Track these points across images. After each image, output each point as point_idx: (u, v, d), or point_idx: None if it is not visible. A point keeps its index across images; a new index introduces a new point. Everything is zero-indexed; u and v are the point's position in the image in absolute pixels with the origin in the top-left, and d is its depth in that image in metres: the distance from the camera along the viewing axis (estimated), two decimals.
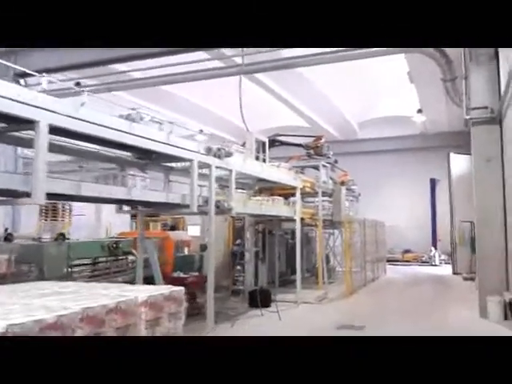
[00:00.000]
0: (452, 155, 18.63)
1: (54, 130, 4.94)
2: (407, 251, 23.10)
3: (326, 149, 14.52)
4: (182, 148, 6.81)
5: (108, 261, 9.94)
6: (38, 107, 4.50)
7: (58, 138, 5.51)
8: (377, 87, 17.98)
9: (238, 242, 12.56)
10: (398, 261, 22.02)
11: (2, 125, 4.90)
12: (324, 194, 13.51)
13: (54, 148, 5.43)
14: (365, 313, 9.95)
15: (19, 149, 7.47)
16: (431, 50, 9.42)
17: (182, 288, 4.72)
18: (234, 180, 8.09)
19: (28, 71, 5.59)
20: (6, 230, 10.67)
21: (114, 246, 10.17)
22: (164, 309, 4.36)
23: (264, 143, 10.80)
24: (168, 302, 4.43)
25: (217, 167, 7.73)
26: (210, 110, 19.38)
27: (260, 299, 9.95)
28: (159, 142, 6.31)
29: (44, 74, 4.76)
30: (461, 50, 9.83)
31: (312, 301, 11.08)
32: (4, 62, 5.98)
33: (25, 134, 5.31)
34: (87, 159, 6.75)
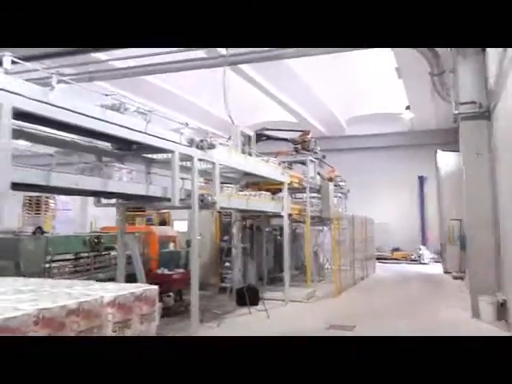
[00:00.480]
0: (439, 152, 18.42)
1: (22, 116, 4.62)
2: (396, 249, 22.95)
3: (313, 144, 14.35)
4: (162, 138, 6.49)
5: (89, 256, 9.59)
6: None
7: (28, 124, 5.18)
8: (365, 83, 17.73)
9: (226, 238, 12.27)
10: (386, 259, 21.82)
11: None
12: (312, 189, 13.30)
13: (22, 135, 5.10)
14: (354, 312, 9.70)
15: None
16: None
17: (156, 287, 4.36)
18: (217, 173, 7.79)
19: None
20: None
21: (96, 240, 9.81)
22: (134, 310, 3.99)
23: (250, 137, 10.54)
24: (139, 302, 4.05)
25: (200, 159, 7.44)
26: (196, 103, 18.97)
27: (248, 297, 9.73)
28: (137, 130, 5.98)
29: (7, 54, 4.38)
30: None
31: (300, 299, 10.86)
32: None
33: None
34: (61, 148, 6.37)
